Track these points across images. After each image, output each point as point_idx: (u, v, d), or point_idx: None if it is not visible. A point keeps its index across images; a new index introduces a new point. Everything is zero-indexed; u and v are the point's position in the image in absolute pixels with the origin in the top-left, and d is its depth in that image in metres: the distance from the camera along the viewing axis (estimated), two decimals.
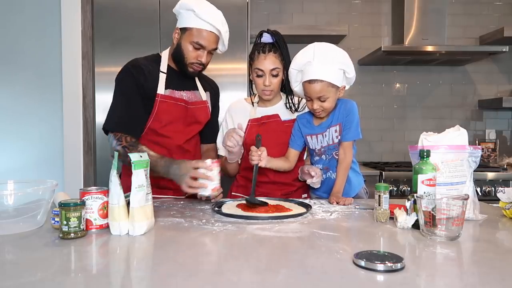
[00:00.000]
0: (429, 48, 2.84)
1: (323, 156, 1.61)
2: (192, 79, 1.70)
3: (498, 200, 1.32)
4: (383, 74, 3.33)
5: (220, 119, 1.85)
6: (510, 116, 3.37)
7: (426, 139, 1.29)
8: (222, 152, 1.75)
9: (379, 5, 3.31)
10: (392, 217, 1.19)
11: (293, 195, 1.70)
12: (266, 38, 1.61)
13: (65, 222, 1.01)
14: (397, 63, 3.24)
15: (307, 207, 1.36)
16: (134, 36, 2.55)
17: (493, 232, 1.15)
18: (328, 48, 1.51)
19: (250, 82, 1.70)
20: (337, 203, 1.46)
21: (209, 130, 1.78)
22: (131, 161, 1.07)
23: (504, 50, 2.84)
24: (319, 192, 1.65)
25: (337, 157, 1.57)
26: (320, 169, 1.60)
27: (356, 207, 1.42)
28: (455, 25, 3.28)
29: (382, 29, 3.32)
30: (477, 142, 3.29)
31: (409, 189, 2.64)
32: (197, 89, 1.72)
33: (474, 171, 1.28)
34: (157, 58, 1.66)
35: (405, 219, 1.12)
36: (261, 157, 1.47)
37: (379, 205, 1.21)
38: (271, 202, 1.43)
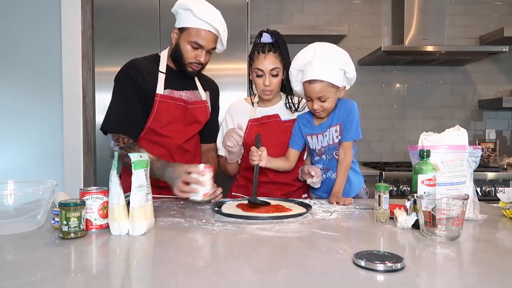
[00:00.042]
0: (429, 48, 2.84)
1: (323, 156, 1.61)
2: (191, 78, 1.70)
3: (498, 200, 1.32)
4: (383, 74, 3.33)
5: (220, 119, 1.85)
6: (510, 116, 3.37)
7: (426, 139, 1.29)
8: (222, 152, 1.75)
9: (379, 5, 3.31)
10: (392, 217, 1.19)
11: (293, 195, 1.70)
12: (266, 38, 1.61)
13: (65, 222, 1.01)
14: (397, 63, 3.24)
15: (307, 207, 1.36)
16: (134, 36, 2.55)
17: (493, 232, 1.15)
18: (328, 48, 1.51)
19: (250, 82, 1.70)
20: (337, 203, 1.46)
21: (209, 130, 1.78)
22: (131, 161, 1.07)
23: (504, 50, 2.84)
24: (319, 192, 1.65)
25: (337, 157, 1.57)
26: (320, 169, 1.60)
27: (356, 207, 1.42)
28: (455, 25, 3.28)
29: (382, 29, 3.32)
30: (477, 142, 3.29)
31: (409, 189, 2.64)
32: (197, 89, 1.72)
33: (474, 171, 1.28)
34: (156, 58, 1.66)
35: (405, 219, 1.12)
36: (261, 157, 1.47)
37: (379, 205, 1.21)
38: (271, 202, 1.43)
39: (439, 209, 1.01)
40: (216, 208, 1.34)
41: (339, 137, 1.56)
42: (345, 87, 1.56)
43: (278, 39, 1.60)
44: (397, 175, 2.69)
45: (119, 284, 0.76)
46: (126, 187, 1.07)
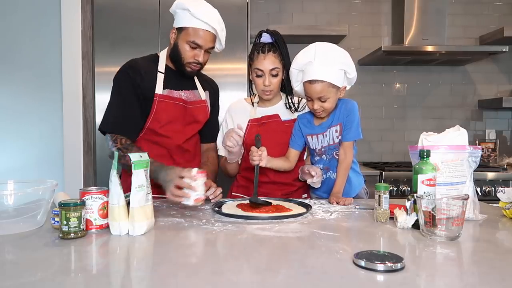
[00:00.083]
0: (429, 48, 2.84)
1: (324, 156, 1.61)
2: (190, 78, 1.70)
3: (498, 200, 1.32)
4: (383, 74, 3.33)
5: (220, 118, 1.85)
6: (510, 116, 3.37)
7: (426, 139, 1.29)
8: (222, 152, 1.75)
9: (379, 5, 3.31)
10: (392, 217, 1.19)
11: (293, 195, 1.70)
12: (266, 38, 1.61)
13: (65, 222, 1.01)
14: (397, 63, 3.24)
15: (307, 207, 1.36)
16: (134, 36, 2.55)
17: (493, 232, 1.15)
18: (329, 48, 1.51)
19: (250, 82, 1.70)
20: (337, 203, 1.46)
21: (208, 130, 1.78)
22: (131, 161, 1.07)
23: (504, 50, 2.84)
24: (319, 192, 1.65)
25: (337, 157, 1.57)
26: (321, 169, 1.60)
27: (356, 207, 1.42)
28: (455, 25, 3.28)
29: (382, 29, 3.32)
30: (477, 142, 3.29)
31: (409, 189, 2.64)
32: (196, 89, 1.72)
33: (474, 171, 1.28)
34: (155, 58, 1.66)
35: (405, 219, 1.12)
36: (261, 157, 1.47)
37: (379, 205, 1.21)
38: (272, 202, 1.43)
39: (439, 209, 1.01)
40: (216, 208, 1.34)
41: (340, 137, 1.55)
42: (345, 87, 1.56)
43: (278, 39, 1.60)
44: (397, 175, 2.69)
45: (119, 284, 0.76)
46: (126, 187, 1.07)
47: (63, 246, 0.96)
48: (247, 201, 1.46)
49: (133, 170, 1.06)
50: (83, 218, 1.05)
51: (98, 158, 2.65)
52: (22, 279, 0.75)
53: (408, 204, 1.14)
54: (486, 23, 3.29)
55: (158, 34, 2.57)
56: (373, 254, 0.84)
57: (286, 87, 1.66)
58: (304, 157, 1.75)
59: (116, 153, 1.12)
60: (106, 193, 1.10)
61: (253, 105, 1.72)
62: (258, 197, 1.42)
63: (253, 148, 1.48)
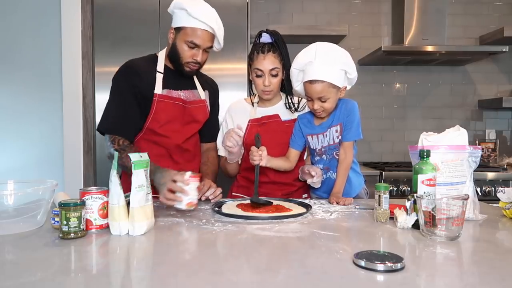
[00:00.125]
0: (429, 48, 2.84)
1: (324, 156, 1.61)
2: (190, 78, 1.70)
3: (498, 200, 1.32)
4: (383, 74, 3.33)
5: (220, 118, 1.85)
6: (510, 116, 3.37)
7: (426, 139, 1.29)
8: (222, 152, 1.75)
9: (379, 5, 3.31)
10: (392, 217, 1.19)
11: (293, 195, 1.70)
12: (265, 38, 1.61)
13: (65, 222, 1.01)
14: (397, 63, 3.24)
15: (307, 207, 1.36)
16: (134, 36, 2.55)
17: (493, 232, 1.15)
18: (330, 48, 1.51)
19: (250, 82, 1.70)
20: (337, 203, 1.46)
21: (208, 129, 1.78)
22: (131, 161, 1.07)
23: (504, 50, 2.84)
24: (320, 192, 1.65)
25: (337, 157, 1.57)
26: (321, 169, 1.60)
27: (356, 207, 1.42)
28: (455, 25, 3.28)
29: (382, 29, 3.32)
30: (477, 142, 3.29)
31: (409, 189, 2.64)
32: (195, 88, 1.72)
33: (474, 171, 1.28)
34: (154, 58, 1.66)
35: (405, 219, 1.12)
36: (261, 157, 1.46)
37: (379, 205, 1.21)
38: (272, 202, 1.43)
39: (439, 209, 1.01)
40: (216, 208, 1.34)
41: (340, 137, 1.55)
42: (346, 88, 1.56)
43: (278, 39, 1.60)
44: (397, 175, 2.69)
45: (119, 284, 0.76)
46: (126, 187, 1.07)
47: (63, 246, 0.96)
48: (247, 201, 1.46)
49: (133, 170, 1.06)
50: (83, 218, 1.05)
51: (98, 158, 2.65)
52: (22, 279, 0.75)
53: (408, 204, 1.14)
54: (486, 23, 3.29)
55: (158, 34, 2.57)
56: (373, 254, 0.84)
57: (286, 87, 1.66)
58: (304, 157, 1.75)
59: (116, 153, 1.12)
60: (106, 193, 1.10)
61: (253, 105, 1.72)
62: (259, 197, 1.42)
63: (253, 148, 1.48)
